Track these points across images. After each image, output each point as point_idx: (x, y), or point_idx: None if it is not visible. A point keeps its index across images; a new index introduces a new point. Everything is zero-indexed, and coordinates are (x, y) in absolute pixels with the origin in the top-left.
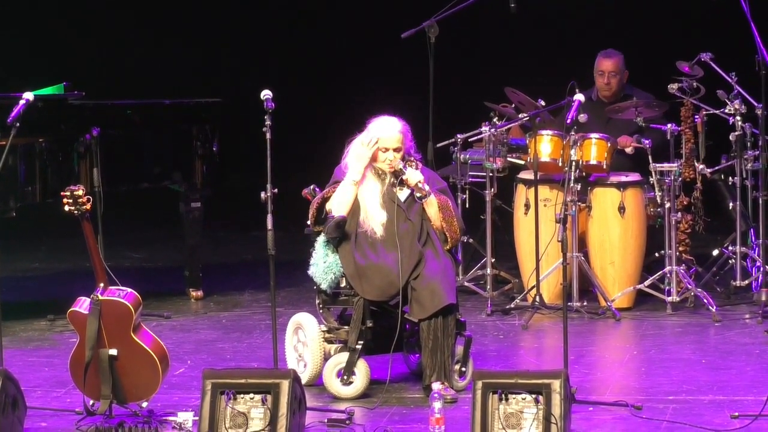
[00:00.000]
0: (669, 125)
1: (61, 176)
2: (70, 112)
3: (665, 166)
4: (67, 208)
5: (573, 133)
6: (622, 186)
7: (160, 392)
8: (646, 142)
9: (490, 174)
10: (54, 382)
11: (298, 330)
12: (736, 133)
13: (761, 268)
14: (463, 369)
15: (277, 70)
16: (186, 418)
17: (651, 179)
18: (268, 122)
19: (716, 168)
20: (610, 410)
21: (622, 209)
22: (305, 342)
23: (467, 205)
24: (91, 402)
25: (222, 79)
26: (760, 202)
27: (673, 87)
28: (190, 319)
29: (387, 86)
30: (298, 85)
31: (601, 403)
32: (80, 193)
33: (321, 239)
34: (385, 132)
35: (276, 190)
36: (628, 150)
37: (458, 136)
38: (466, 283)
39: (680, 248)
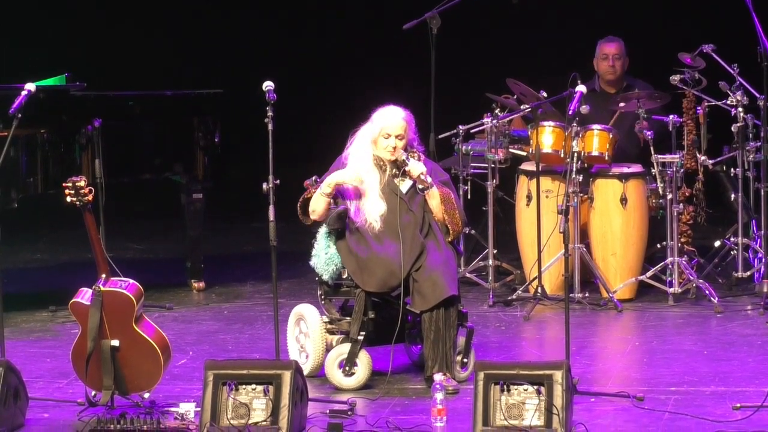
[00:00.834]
0: (671, 116)
1: (63, 167)
2: (71, 103)
3: (667, 158)
4: (68, 199)
5: (575, 124)
6: (623, 177)
7: (162, 383)
8: (648, 133)
9: (492, 165)
10: (56, 373)
11: (300, 321)
12: (738, 124)
13: (763, 260)
14: (465, 360)
15: (279, 61)
16: (188, 408)
17: (653, 170)
18: (269, 113)
19: (718, 159)
20: (611, 401)
21: (624, 200)
22: (307, 333)
23: (469, 197)
24: (93, 393)
25: (224, 70)
26: (762, 193)
27: (675, 78)
28: (192, 310)
29: (389, 77)
30: (300, 76)
31: (603, 394)
32: (82, 184)
33: (323, 230)
34: (388, 119)
35: (278, 181)
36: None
37: (460, 127)
38: (467, 274)
39: (682, 239)
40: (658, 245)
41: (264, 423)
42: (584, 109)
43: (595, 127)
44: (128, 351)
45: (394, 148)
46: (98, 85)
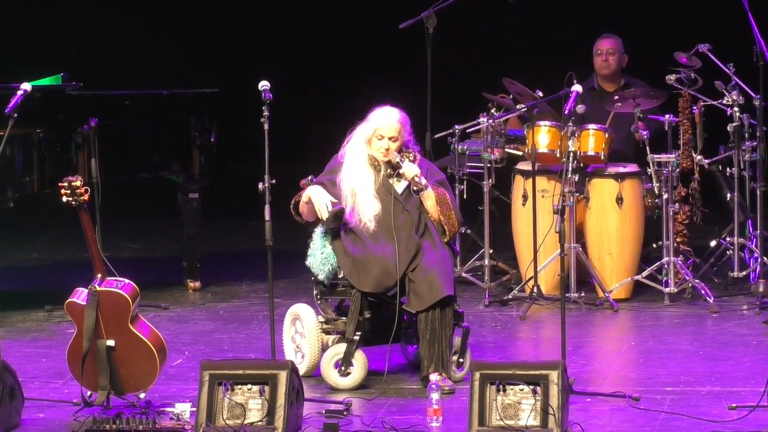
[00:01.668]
0: (667, 116)
1: (59, 167)
2: (68, 102)
3: (663, 157)
4: (65, 198)
5: (571, 124)
6: (619, 177)
7: (157, 383)
8: (644, 132)
9: (488, 165)
10: (52, 373)
11: (296, 321)
12: (734, 124)
13: (759, 259)
14: (461, 360)
15: (275, 60)
16: (184, 409)
17: (649, 170)
18: (265, 113)
19: (714, 159)
20: (607, 401)
21: (619, 200)
22: (303, 333)
23: (465, 196)
24: (89, 393)
25: (220, 69)
26: (758, 192)
27: (671, 78)
28: (188, 310)
29: (385, 77)
30: (296, 75)
31: (599, 394)
32: (78, 183)
33: (318, 230)
34: (382, 120)
35: (274, 181)
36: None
37: (456, 126)
38: (463, 274)
39: (678, 239)
40: (654, 245)
41: (260, 423)
42: (580, 108)
43: (591, 126)
44: (124, 351)
45: (387, 149)
46: (94, 84)
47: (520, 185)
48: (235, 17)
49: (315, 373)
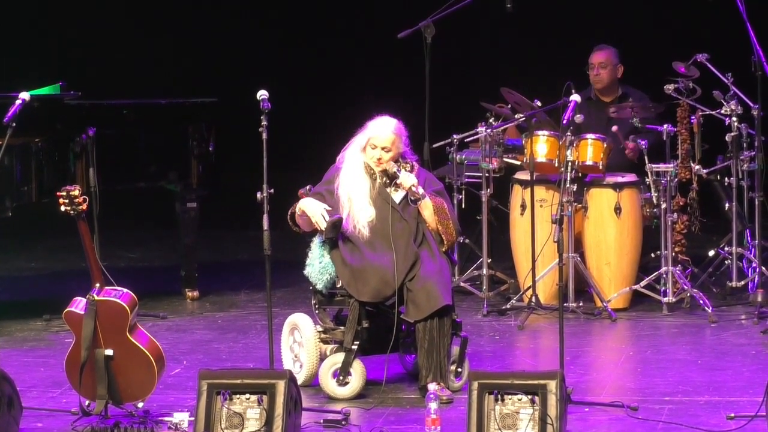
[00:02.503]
0: (665, 126)
1: (57, 176)
2: (66, 112)
3: (661, 167)
4: (63, 208)
5: (569, 133)
6: (618, 186)
7: (155, 392)
8: (642, 142)
9: (486, 174)
10: (50, 383)
11: (294, 330)
12: (732, 133)
13: (757, 269)
14: (459, 369)
15: (273, 69)
16: (182, 418)
17: (647, 180)
18: (264, 122)
19: (712, 169)
20: (606, 411)
21: (618, 210)
22: (301, 342)
23: (463, 206)
24: (87, 402)
25: (218, 79)
26: (756, 202)
27: (669, 88)
28: (186, 320)
29: (383, 86)
30: (295, 85)
31: (597, 403)
32: (76, 193)
33: (317, 239)
34: (377, 130)
35: (272, 190)
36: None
37: (454, 136)
38: (462, 284)
39: (676, 249)
40: (652, 254)
41: None
42: (578, 118)
43: (590, 136)
44: (122, 360)
45: (379, 159)
46: (92, 93)
47: (518, 195)
48: (234, 27)
49: (313, 382)
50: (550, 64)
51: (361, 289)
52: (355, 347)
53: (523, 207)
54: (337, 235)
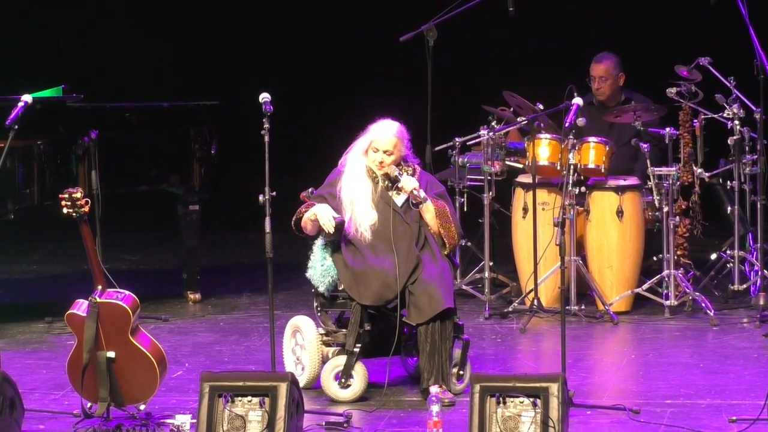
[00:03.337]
0: (667, 129)
1: (59, 179)
2: (68, 114)
3: (663, 170)
4: (65, 210)
5: (571, 136)
6: (620, 190)
7: (157, 395)
8: (645, 146)
9: (489, 177)
10: (52, 385)
11: (296, 333)
12: (735, 137)
13: (759, 272)
14: (461, 372)
15: (276, 72)
16: (184, 420)
17: (649, 183)
18: (266, 125)
19: (714, 172)
20: (608, 414)
21: (620, 213)
22: (303, 345)
23: (465, 209)
24: (89, 404)
25: (220, 82)
26: (758, 206)
27: (671, 91)
28: (188, 322)
29: (385, 89)
30: (297, 88)
31: (599, 406)
32: (78, 195)
33: (319, 242)
34: (379, 133)
35: (274, 193)
36: None
37: (457, 139)
38: (464, 287)
39: (678, 252)
40: (654, 258)
41: None
42: (580, 121)
43: (592, 139)
44: (124, 362)
45: (381, 162)
46: (95, 96)
47: (520, 198)
48: (236, 30)
49: (315, 385)
50: (552, 67)
51: (363, 292)
52: (357, 350)
53: (525, 210)
54: (339, 238)
